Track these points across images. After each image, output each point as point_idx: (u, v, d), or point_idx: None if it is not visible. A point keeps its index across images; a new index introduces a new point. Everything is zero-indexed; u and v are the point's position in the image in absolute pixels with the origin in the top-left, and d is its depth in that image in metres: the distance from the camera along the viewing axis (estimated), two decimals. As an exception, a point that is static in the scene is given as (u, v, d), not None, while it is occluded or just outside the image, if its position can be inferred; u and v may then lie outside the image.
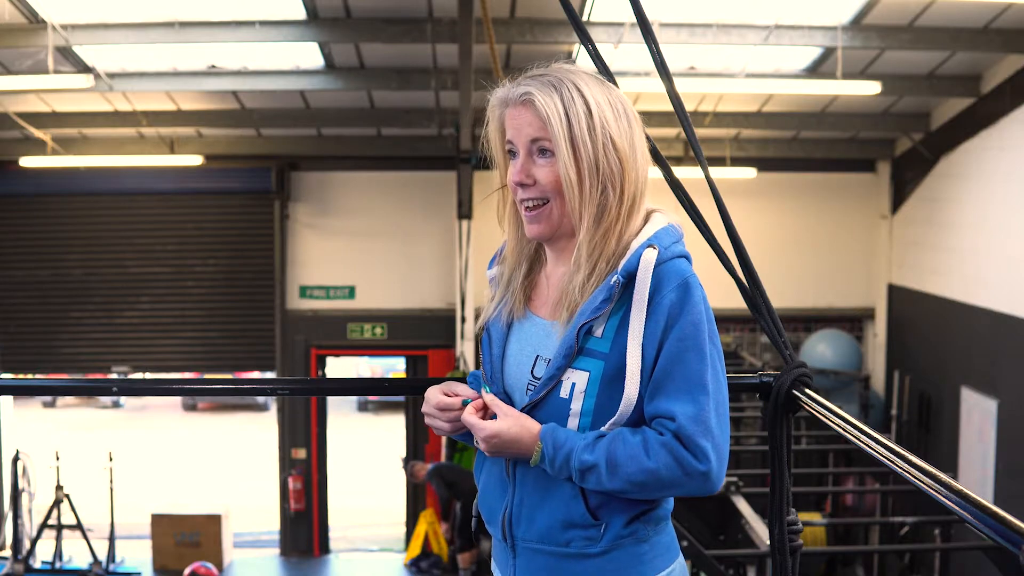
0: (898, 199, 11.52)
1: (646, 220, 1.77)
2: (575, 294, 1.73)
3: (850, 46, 8.06)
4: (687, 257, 1.75)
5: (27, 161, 10.61)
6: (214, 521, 11.26)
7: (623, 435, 1.69)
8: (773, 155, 11.42)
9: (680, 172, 2.16)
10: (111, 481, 10.93)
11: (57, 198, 11.66)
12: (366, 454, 17.27)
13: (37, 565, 10.75)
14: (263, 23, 8.10)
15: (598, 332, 1.72)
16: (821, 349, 11.53)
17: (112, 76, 9.13)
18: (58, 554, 10.64)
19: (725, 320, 11.57)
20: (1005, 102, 8.75)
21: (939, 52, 8.65)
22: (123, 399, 21.40)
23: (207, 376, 11.09)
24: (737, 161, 11.12)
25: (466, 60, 7.79)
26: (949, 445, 9.90)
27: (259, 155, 11.63)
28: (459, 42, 7.71)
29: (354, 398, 21.26)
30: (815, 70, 9.09)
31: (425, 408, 1.84)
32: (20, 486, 10.83)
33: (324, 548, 12.30)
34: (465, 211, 10.39)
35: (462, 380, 1.90)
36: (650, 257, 1.69)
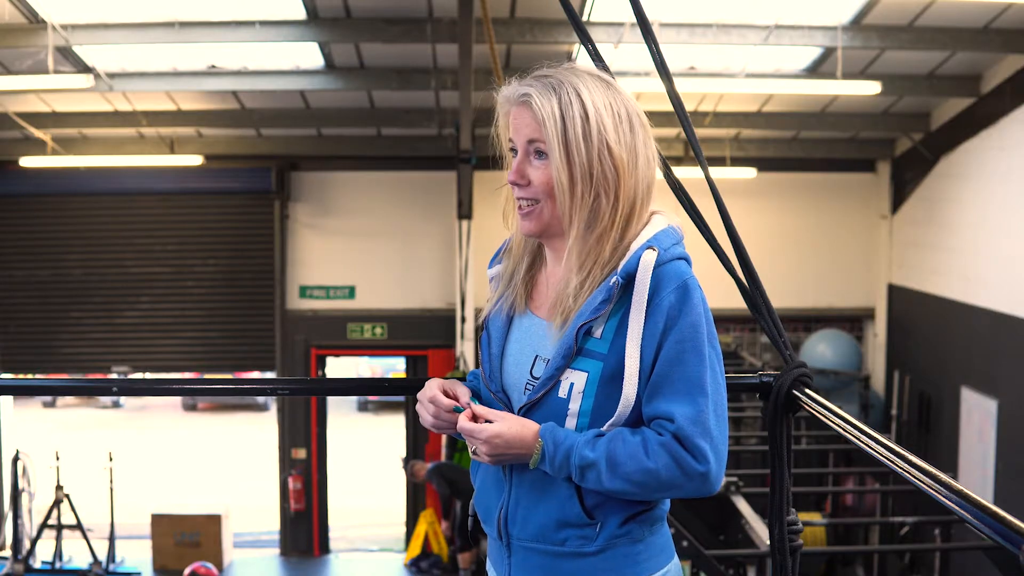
0: (898, 199, 11.52)
1: (647, 222, 1.77)
2: (568, 301, 1.73)
3: (850, 46, 8.06)
4: (687, 259, 1.75)
5: (27, 161, 10.61)
6: (214, 521, 11.26)
7: (623, 435, 1.69)
8: (773, 155, 11.42)
9: (680, 172, 2.16)
10: (111, 481, 10.92)
11: (57, 198, 11.66)
12: (366, 454, 17.26)
13: (37, 565, 10.75)
14: (263, 23, 8.10)
15: (597, 333, 1.72)
16: (821, 349, 11.53)
17: (112, 76, 9.13)
18: (58, 554, 10.64)
19: (725, 320, 11.57)
20: (1005, 102, 8.75)
21: (939, 52, 8.65)
22: (123, 399, 21.39)
23: (207, 376, 11.09)
24: (737, 161, 11.12)
25: (466, 60, 7.80)
26: (949, 445, 9.90)
27: (259, 155, 11.63)
28: (459, 42, 7.71)
29: (354, 398, 21.25)
30: (815, 70, 9.09)
31: (419, 395, 1.85)
32: (20, 486, 10.83)
33: (324, 548, 12.30)
34: (465, 211, 10.39)
35: (462, 380, 1.91)
36: (649, 259, 1.70)
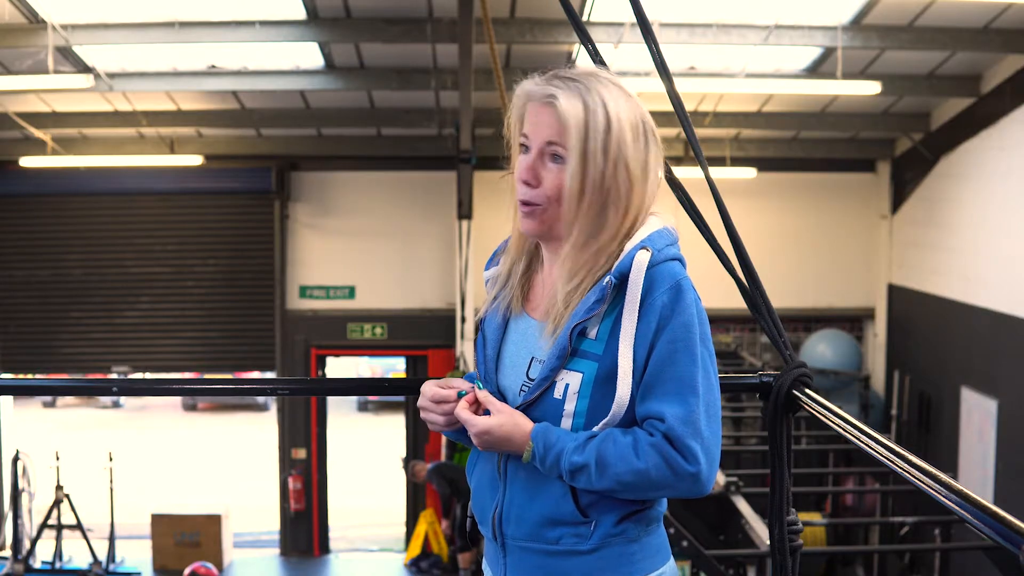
0: (898, 199, 11.52)
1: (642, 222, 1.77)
2: (559, 307, 1.73)
3: (850, 46, 8.06)
4: (681, 260, 1.75)
5: (27, 161, 10.61)
6: (214, 521, 11.26)
7: (613, 435, 1.69)
8: (773, 155, 11.42)
9: (680, 172, 2.16)
10: (111, 481, 10.92)
11: (57, 198, 11.66)
12: (366, 454, 17.27)
13: (37, 565, 10.75)
14: (263, 23, 8.10)
15: (592, 334, 1.72)
16: (821, 349, 11.53)
17: (112, 76, 9.13)
18: (58, 554, 10.64)
19: (725, 320, 11.58)
20: (1005, 102, 8.75)
21: (939, 52, 8.65)
22: (123, 399, 21.39)
23: (207, 376, 11.09)
24: (737, 161, 11.12)
25: (466, 60, 7.80)
26: (949, 445, 9.90)
27: (259, 155, 11.63)
28: (459, 42, 7.71)
29: (354, 398, 21.25)
30: (815, 70, 9.10)
31: (421, 401, 1.84)
32: (20, 486, 10.83)
33: (324, 548, 12.30)
34: (465, 211, 10.39)
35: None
36: (643, 259, 1.69)
